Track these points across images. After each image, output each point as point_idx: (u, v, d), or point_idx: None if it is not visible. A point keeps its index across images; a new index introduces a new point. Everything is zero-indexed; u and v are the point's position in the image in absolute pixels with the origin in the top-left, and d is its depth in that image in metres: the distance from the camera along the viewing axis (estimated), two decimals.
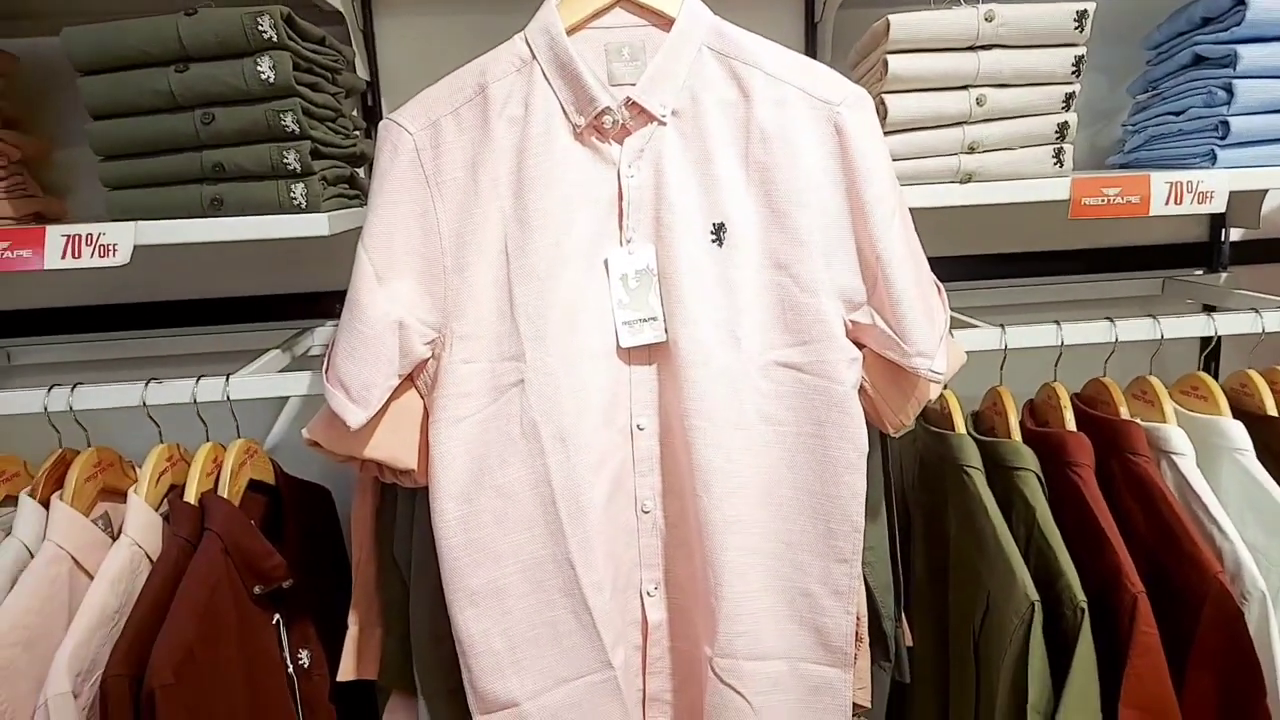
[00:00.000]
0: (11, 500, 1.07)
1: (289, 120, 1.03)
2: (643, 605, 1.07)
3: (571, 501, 0.98)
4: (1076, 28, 1.08)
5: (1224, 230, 1.53)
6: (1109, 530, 1.00)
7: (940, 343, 1.00)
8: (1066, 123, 1.13)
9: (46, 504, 1.02)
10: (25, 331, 1.41)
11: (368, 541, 1.17)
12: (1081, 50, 1.10)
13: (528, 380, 0.97)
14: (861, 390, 1.03)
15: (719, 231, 1.00)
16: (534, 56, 0.99)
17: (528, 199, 0.97)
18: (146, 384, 1.07)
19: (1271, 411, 1.15)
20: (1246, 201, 1.46)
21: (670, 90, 0.99)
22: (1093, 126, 1.49)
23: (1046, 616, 0.98)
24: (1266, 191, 1.45)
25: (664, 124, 0.99)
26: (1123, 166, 1.38)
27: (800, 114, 0.98)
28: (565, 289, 0.98)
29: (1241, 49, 1.13)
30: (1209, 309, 1.53)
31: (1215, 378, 1.20)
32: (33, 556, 0.99)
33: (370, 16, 1.35)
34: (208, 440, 1.10)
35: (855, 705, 1.09)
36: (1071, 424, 1.12)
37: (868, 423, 1.04)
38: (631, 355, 1.02)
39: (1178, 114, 1.24)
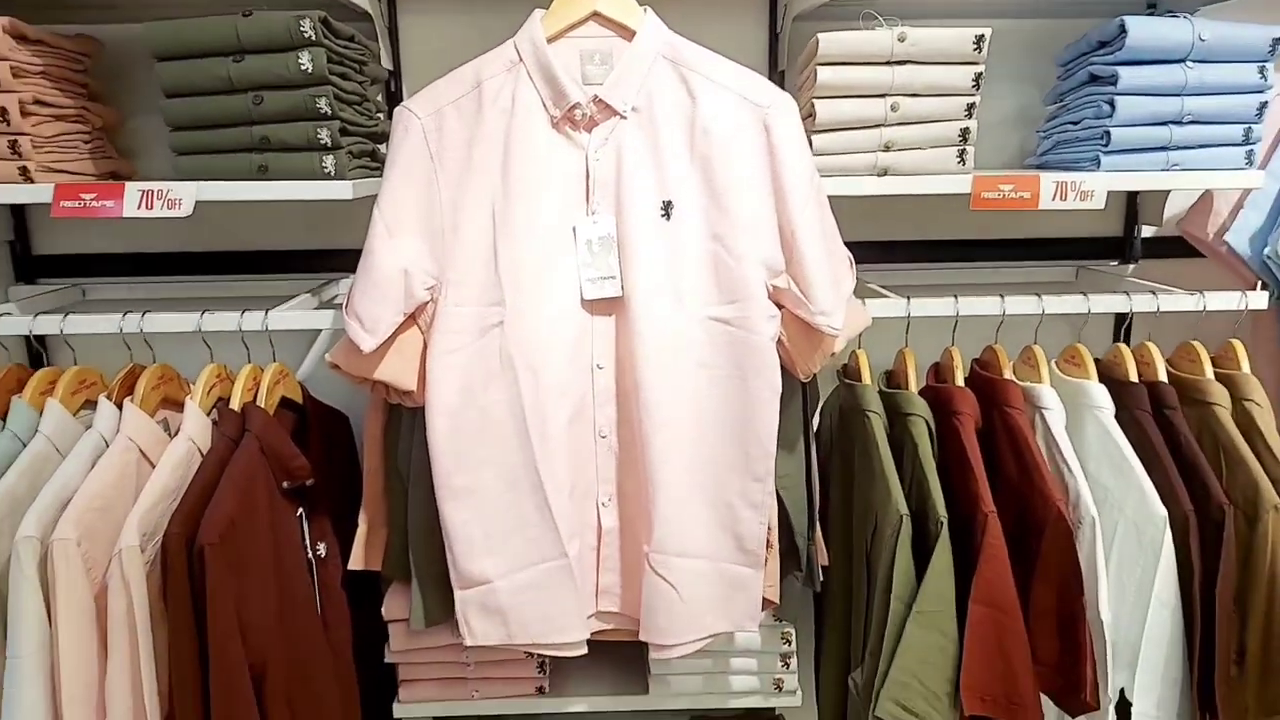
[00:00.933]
0: (91, 404, 1.32)
1: (323, 104, 1.27)
2: (598, 512, 1.31)
3: (539, 420, 1.22)
4: (975, 49, 1.29)
5: (1136, 226, 1.73)
6: (974, 464, 1.23)
7: (840, 305, 1.23)
8: (968, 128, 1.34)
9: (120, 406, 1.27)
10: (99, 273, 1.67)
11: (377, 453, 1.41)
12: (980, 68, 1.31)
13: (506, 321, 1.20)
14: (779, 343, 1.25)
15: (667, 208, 1.22)
16: (521, 59, 1.22)
17: (511, 175, 1.20)
18: (202, 314, 1.32)
19: (1133, 378, 1.36)
20: (1151, 200, 1.67)
21: (631, 90, 1.22)
22: (1024, 131, 1.69)
23: (917, 531, 1.21)
24: (1169, 192, 1.65)
25: (625, 118, 1.22)
26: (1037, 167, 1.59)
27: (736, 114, 1.21)
28: (539, 249, 1.22)
29: (1121, 70, 1.34)
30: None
31: (1076, 344, 1.42)
32: (108, 446, 1.24)
33: (394, 15, 1.58)
34: (249, 363, 1.34)
35: (766, 600, 1.32)
36: (961, 381, 1.35)
37: (786, 371, 1.28)
38: (594, 307, 1.25)
39: (1075, 123, 1.45)
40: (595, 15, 1.23)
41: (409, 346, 1.25)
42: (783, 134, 1.21)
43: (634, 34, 1.22)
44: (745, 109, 1.21)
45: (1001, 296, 1.37)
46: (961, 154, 1.36)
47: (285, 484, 1.31)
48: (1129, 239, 1.74)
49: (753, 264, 1.22)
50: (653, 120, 1.22)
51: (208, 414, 1.31)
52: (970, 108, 1.34)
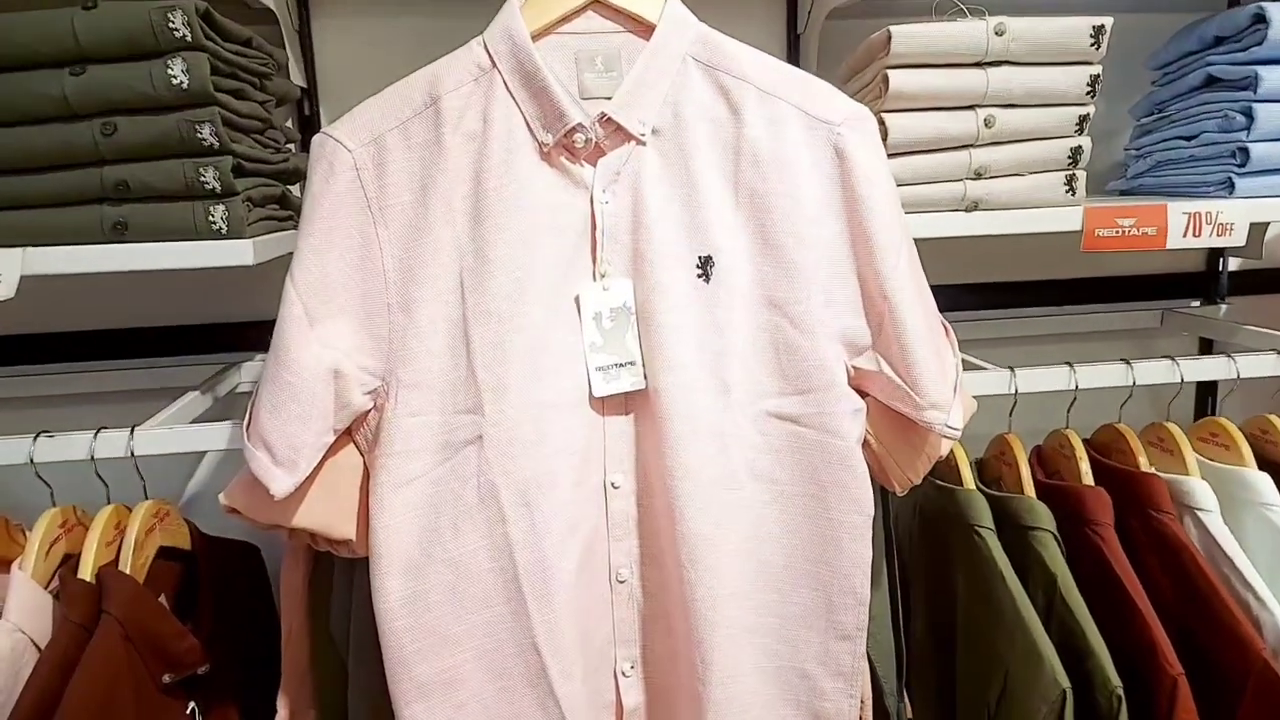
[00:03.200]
0: None
1: (206, 132, 0.88)
2: (617, 687, 0.94)
3: (537, 576, 0.85)
4: (1093, 44, 0.98)
5: (1222, 260, 1.45)
6: (1139, 601, 0.90)
7: (955, 393, 0.89)
8: (1080, 147, 1.03)
9: None
10: None
11: (300, 615, 1.02)
12: (1097, 69, 1.00)
13: (486, 436, 0.84)
14: (865, 444, 0.91)
15: (705, 265, 0.87)
16: (494, 64, 0.86)
17: (486, 227, 0.84)
18: (35, 438, 0.91)
19: None
20: (1251, 231, 1.38)
21: (650, 106, 0.86)
22: (1096, 148, 1.40)
23: (1073, 700, 0.87)
24: (1269, 222, 1.37)
25: (643, 143, 0.87)
26: (1124, 193, 1.30)
27: (796, 134, 0.87)
28: (530, 330, 0.85)
29: (1262, 70, 1.05)
30: (1206, 342, 1.46)
31: (1213, 416, 1.11)
32: None
33: (307, 16, 1.21)
34: (109, 502, 0.94)
35: None
36: (1088, 477, 1.02)
37: (878, 481, 0.94)
38: (606, 404, 0.90)
39: (1189, 139, 1.15)
40: (595, 4, 0.87)
41: (343, 476, 0.87)
42: (861, 160, 0.87)
43: (651, 28, 0.87)
44: (808, 128, 0.87)
45: (1129, 364, 1.05)
46: (1070, 180, 1.04)
47: (167, 677, 0.91)
48: (1213, 274, 1.46)
49: (827, 339, 0.87)
50: (681, 146, 0.87)
51: (47, 585, 0.90)
52: (1083, 120, 1.02)
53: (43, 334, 1.26)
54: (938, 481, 1.06)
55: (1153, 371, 1.05)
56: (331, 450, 0.85)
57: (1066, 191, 1.04)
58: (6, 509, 0.99)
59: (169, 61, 0.86)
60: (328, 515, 0.86)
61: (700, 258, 0.87)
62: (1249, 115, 1.06)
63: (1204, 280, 1.47)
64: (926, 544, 1.09)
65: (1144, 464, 1.04)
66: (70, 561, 0.93)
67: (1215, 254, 1.46)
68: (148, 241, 0.92)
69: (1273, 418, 1.09)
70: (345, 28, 1.24)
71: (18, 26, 0.84)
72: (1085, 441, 1.12)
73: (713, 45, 0.88)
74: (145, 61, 0.86)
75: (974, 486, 1.02)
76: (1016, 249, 1.27)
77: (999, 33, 0.96)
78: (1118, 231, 1.03)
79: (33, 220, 0.91)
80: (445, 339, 0.85)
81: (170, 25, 0.85)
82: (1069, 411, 1.08)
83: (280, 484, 0.80)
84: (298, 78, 1.19)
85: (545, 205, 0.86)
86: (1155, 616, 0.89)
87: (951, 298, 1.36)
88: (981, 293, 1.43)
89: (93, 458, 0.92)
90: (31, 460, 0.91)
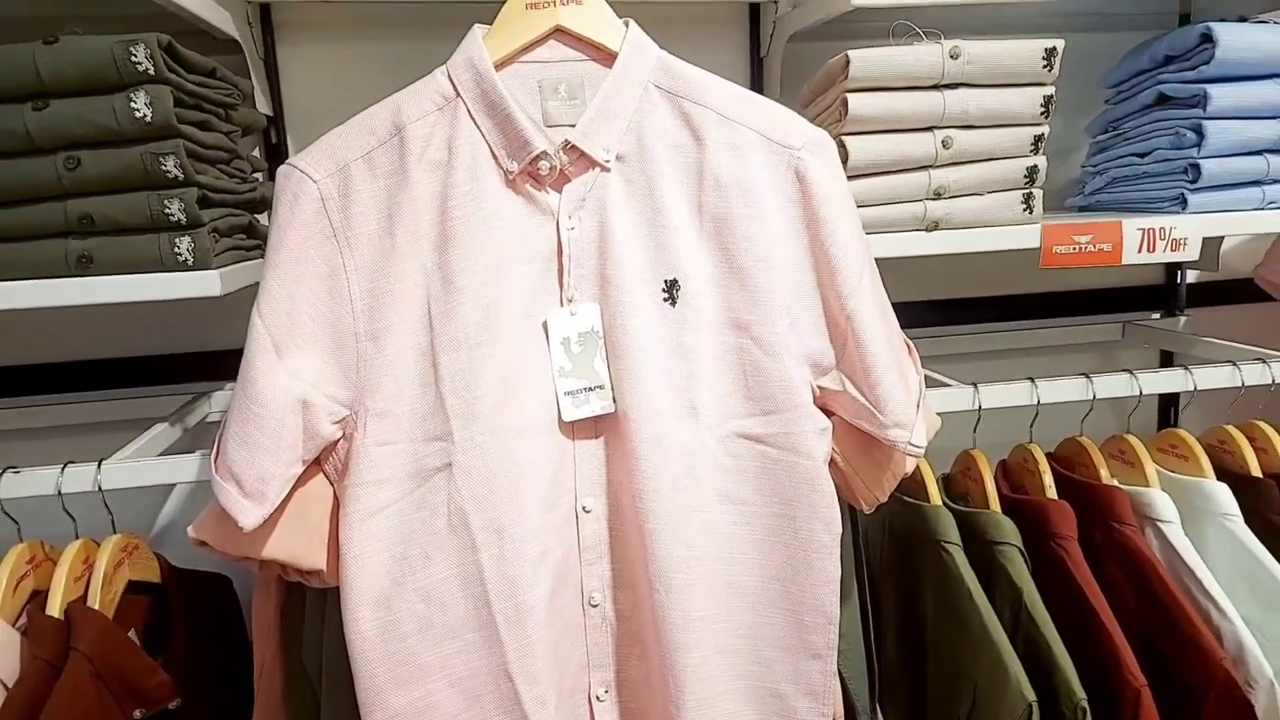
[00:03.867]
0: None
1: (170, 164, 0.89)
2: (591, 712, 0.94)
3: (509, 603, 0.85)
4: (1045, 66, 1.01)
5: (1180, 273, 1.48)
6: (1103, 613, 0.92)
7: (918, 411, 0.90)
8: (1036, 166, 1.05)
9: None
10: None
11: (272, 647, 1.01)
12: (1050, 90, 1.03)
13: (456, 463, 0.84)
14: (831, 463, 0.92)
15: (671, 289, 0.88)
16: (458, 93, 0.86)
17: (453, 255, 0.85)
18: (0, 474, 0.91)
19: (1255, 471, 1.08)
20: (1206, 245, 1.41)
21: (614, 133, 0.88)
22: (1052, 164, 1.42)
23: (1039, 713, 0.89)
24: (1224, 236, 1.40)
25: (607, 170, 0.88)
26: (1082, 209, 1.32)
27: (758, 159, 0.88)
28: (498, 357, 0.85)
29: (1211, 89, 1.08)
30: (1167, 354, 1.49)
31: (1172, 428, 1.13)
32: None
33: (272, 45, 1.21)
34: (77, 536, 0.93)
35: None
36: (1052, 491, 1.04)
37: (845, 499, 0.95)
38: (576, 429, 0.90)
39: (1142, 155, 1.18)
40: (558, 32, 0.89)
41: (312, 507, 0.87)
42: (821, 183, 0.88)
43: (613, 56, 0.88)
44: (769, 152, 0.88)
45: (1089, 378, 1.07)
46: (1028, 199, 1.06)
47: (138, 714, 0.90)
48: (1172, 287, 1.49)
49: (792, 360, 0.88)
50: (645, 171, 0.88)
51: (15, 622, 0.89)
52: (1038, 140, 1.05)
53: (8, 367, 1.25)
54: (905, 498, 1.07)
55: (1112, 385, 1.07)
56: (301, 480, 0.85)
57: (1024, 210, 1.06)
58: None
59: (132, 95, 0.86)
60: (297, 546, 0.86)
61: (666, 281, 0.88)
62: (1199, 132, 1.09)
63: (1163, 293, 1.50)
64: (895, 560, 1.10)
65: (1105, 476, 1.05)
66: (38, 598, 0.92)
67: (1173, 267, 1.49)
68: (113, 274, 0.91)
69: (1230, 428, 1.12)
70: (311, 55, 1.24)
71: None
72: (1049, 455, 1.13)
73: (674, 72, 0.90)
74: (108, 95, 0.86)
75: (940, 502, 1.03)
76: (978, 265, 1.29)
77: (954, 56, 0.98)
78: (1075, 248, 1.05)
79: (2, 256, 0.90)
80: (414, 367, 0.85)
81: (133, 59, 0.85)
82: (1032, 425, 1.09)
83: (249, 516, 0.79)
84: (264, 106, 1.19)
85: (512, 232, 0.87)
86: (1118, 628, 0.91)
87: (915, 314, 1.39)
88: (945, 309, 1.45)
89: (59, 492, 0.91)
90: None
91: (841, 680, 1.01)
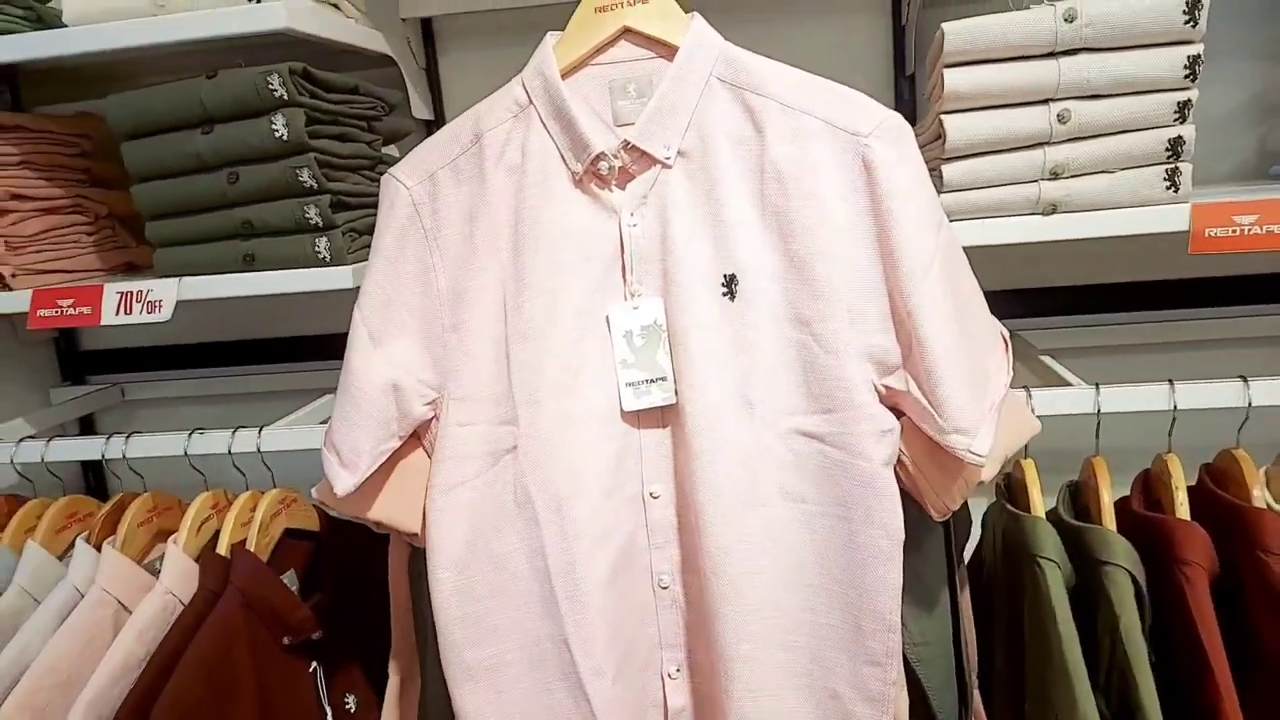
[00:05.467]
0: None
1: (305, 175, 1.03)
2: (664, 688, 0.98)
3: (567, 578, 0.91)
4: (1187, 20, 0.87)
5: None
6: (1214, 655, 0.80)
7: (986, 416, 0.84)
8: (1180, 137, 0.91)
9: (100, 548, 1.08)
10: (146, 367, 1.52)
11: (403, 592, 1.15)
12: (1197, 48, 0.88)
13: (521, 446, 0.91)
14: (902, 466, 0.88)
15: (730, 283, 0.89)
16: (530, 100, 0.92)
17: (524, 251, 0.91)
18: (190, 434, 1.11)
19: None
20: None
21: (674, 129, 0.89)
22: (1263, 126, 1.22)
23: None
24: None
25: (669, 166, 0.90)
26: None
27: (822, 148, 0.86)
28: (563, 348, 0.91)
29: None
30: None
31: None
32: (83, 598, 1.05)
33: (433, 54, 1.33)
34: (247, 489, 1.12)
35: None
36: (1184, 508, 0.91)
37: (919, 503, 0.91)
38: (641, 418, 0.94)
39: None
40: (627, 33, 0.91)
41: (412, 477, 0.98)
42: (889, 171, 0.84)
43: (676, 51, 0.89)
44: (834, 140, 0.85)
45: (1245, 381, 0.93)
46: (1171, 175, 0.93)
47: (287, 640, 1.07)
48: None
49: (853, 358, 0.85)
50: (706, 167, 0.89)
51: (198, 557, 1.09)
52: (1183, 107, 0.91)
53: (249, 340, 1.50)
54: (1010, 508, 0.99)
55: (1273, 391, 0.91)
56: (402, 453, 0.96)
57: (1168, 187, 0.93)
58: (185, 490, 1.20)
59: (272, 118, 1.01)
60: (395, 510, 0.97)
61: (725, 276, 0.89)
62: None
63: None
64: (1007, 570, 1.02)
65: (1259, 496, 0.91)
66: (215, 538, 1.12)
67: None
68: (271, 270, 1.08)
69: None
70: (468, 62, 1.35)
71: (157, 97, 1.02)
72: (1205, 467, 0.99)
73: (738, 64, 0.89)
74: (255, 119, 1.01)
75: (1041, 514, 0.94)
76: (1133, 246, 1.14)
77: (1069, 19, 0.88)
78: (1234, 230, 0.91)
79: (186, 255, 1.10)
80: (489, 356, 0.93)
81: (270, 86, 0.99)
82: (1170, 433, 0.96)
83: (342, 482, 0.92)
84: (424, 112, 1.32)
85: (578, 230, 0.91)
86: (1228, 676, 0.79)
87: (1060, 302, 1.26)
88: (1093, 295, 1.28)
89: (230, 451, 1.10)
90: (185, 453, 1.10)
91: (923, 690, 0.97)
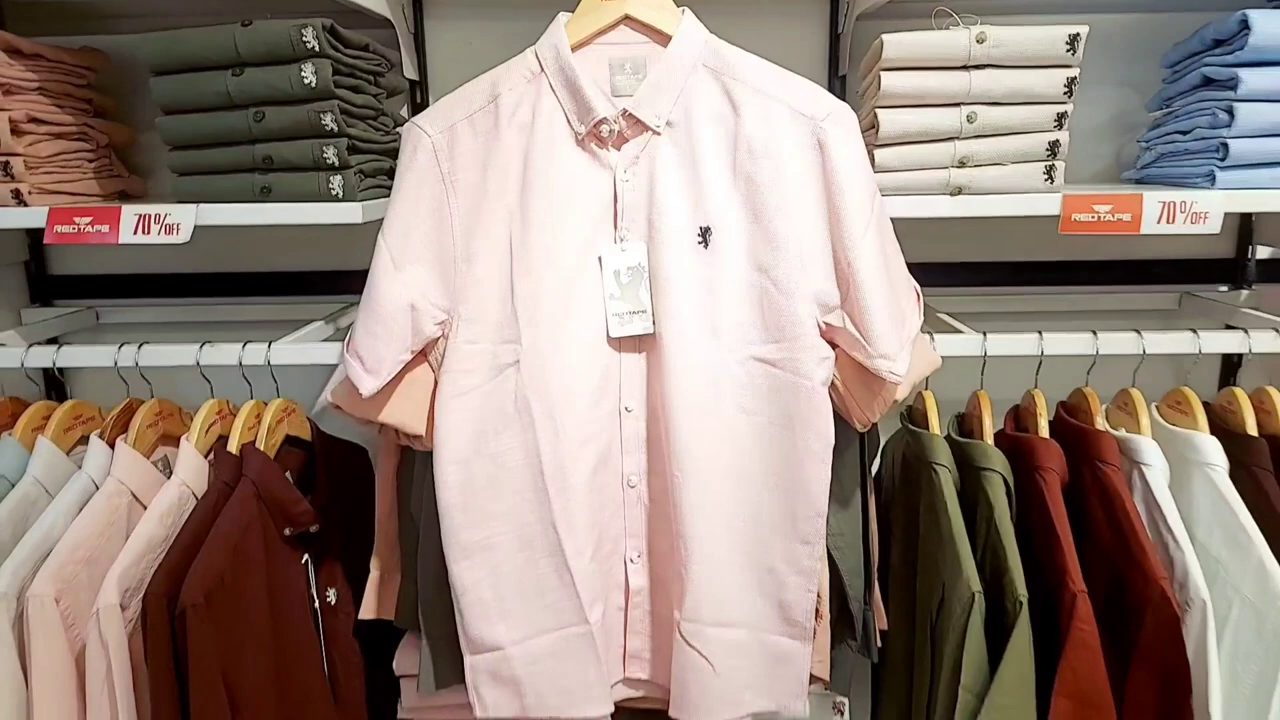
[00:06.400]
0: (86, 441, 1.24)
1: (328, 120, 1.16)
2: (626, 571, 1.17)
3: (557, 473, 1.08)
4: (1068, 50, 1.11)
5: (1251, 247, 1.52)
6: (1061, 532, 1.05)
7: (904, 347, 1.06)
8: (1058, 140, 1.16)
9: (114, 445, 1.18)
10: (114, 294, 1.59)
11: (389, 497, 1.29)
12: (1074, 72, 1.13)
13: (522, 361, 1.08)
14: (834, 387, 1.10)
15: (705, 234, 1.08)
16: (542, 69, 1.08)
17: (531, 198, 1.07)
18: (201, 346, 1.22)
19: (1251, 430, 1.17)
20: (1274, 218, 1.45)
21: (665, 103, 1.07)
22: (1121, 139, 1.50)
23: (991, 609, 1.04)
24: None
25: (659, 134, 1.08)
26: (1137, 182, 1.40)
27: (785, 128, 1.06)
28: (560, 281, 1.08)
29: (1243, 72, 1.15)
30: (1229, 328, 1.53)
31: (1182, 387, 1.22)
32: (98, 489, 1.15)
33: (421, 21, 1.47)
34: (251, 398, 1.24)
35: (815, 677, 1.17)
36: (1045, 431, 1.17)
37: (842, 418, 1.12)
38: (622, 344, 1.12)
39: (1184, 133, 1.25)
40: (627, 19, 1.09)
41: (418, 387, 1.13)
42: (838, 150, 1.05)
43: (669, 39, 1.08)
44: (796, 122, 1.06)
45: (1094, 334, 1.19)
46: (1049, 170, 1.18)
47: (287, 531, 1.20)
48: (1242, 261, 1.53)
49: (802, 299, 1.06)
50: (690, 136, 1.08)
51: (205, 455, 1.21)
52: (1061, 117, 1.16)
53: (221, 273, 1.59)
54: (913, 428, 1.23)
55: (1115, 343, 1.18)
56: (409, 367, 1.11)
57: (1045, 180, 1.18)
58: (181, 402, 1.30)
59: (302, 66, 1.13)
60: (405, 415, 1.12)
61: (701, 228, 1.08)
62: (1230, 113, 1.16)
63: (1230, 267, 1.54)
64: (905, 482, 1.26)
65: (1099, 422, 1.17)
66: (222, 440, 1.24)
67: (1244, 241, 1.53)
68: (286, 202, 1.20)
69: (1238, 391, 1.20)
70: (451, 29, 1.49)
71: (195, 39, 1.13)
72: (1061, 404, 1.26)
73: (720, 54, 1.08)
74: (285, 66, 1.14)
75: (938, 431, 1.18)
76: (1046, 232, 1.39)
77: (980, 40, 1.11)
78: (1094, 217, 1.16)
79: (205, 184, 1.21)
80: (496, 285, 1.09)
81: (303, 39, 1.12)
82: (1037, 373, 1.22)
83: (366, 385, 1.06)
84: (411, 72, 1.45)
85: (578, 182, 1.09)
86: (1070, 544, 1.04)
87: (986, 275, 1.52)
88: (1011, 270, 1.55)
89: (240, 363, 1.22)
90: (198, 363, 1.22)
91: (838, 572, 1.19)
